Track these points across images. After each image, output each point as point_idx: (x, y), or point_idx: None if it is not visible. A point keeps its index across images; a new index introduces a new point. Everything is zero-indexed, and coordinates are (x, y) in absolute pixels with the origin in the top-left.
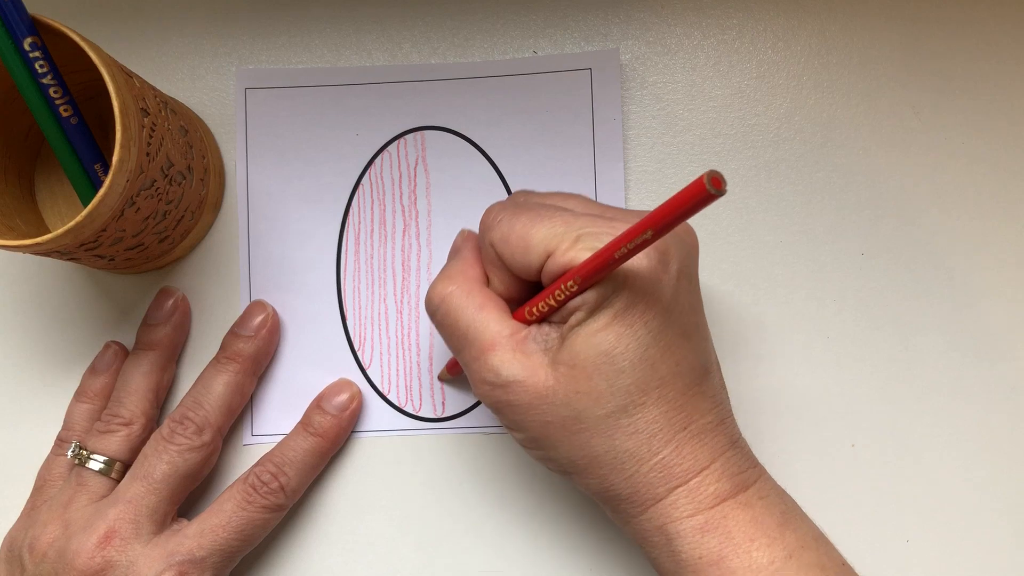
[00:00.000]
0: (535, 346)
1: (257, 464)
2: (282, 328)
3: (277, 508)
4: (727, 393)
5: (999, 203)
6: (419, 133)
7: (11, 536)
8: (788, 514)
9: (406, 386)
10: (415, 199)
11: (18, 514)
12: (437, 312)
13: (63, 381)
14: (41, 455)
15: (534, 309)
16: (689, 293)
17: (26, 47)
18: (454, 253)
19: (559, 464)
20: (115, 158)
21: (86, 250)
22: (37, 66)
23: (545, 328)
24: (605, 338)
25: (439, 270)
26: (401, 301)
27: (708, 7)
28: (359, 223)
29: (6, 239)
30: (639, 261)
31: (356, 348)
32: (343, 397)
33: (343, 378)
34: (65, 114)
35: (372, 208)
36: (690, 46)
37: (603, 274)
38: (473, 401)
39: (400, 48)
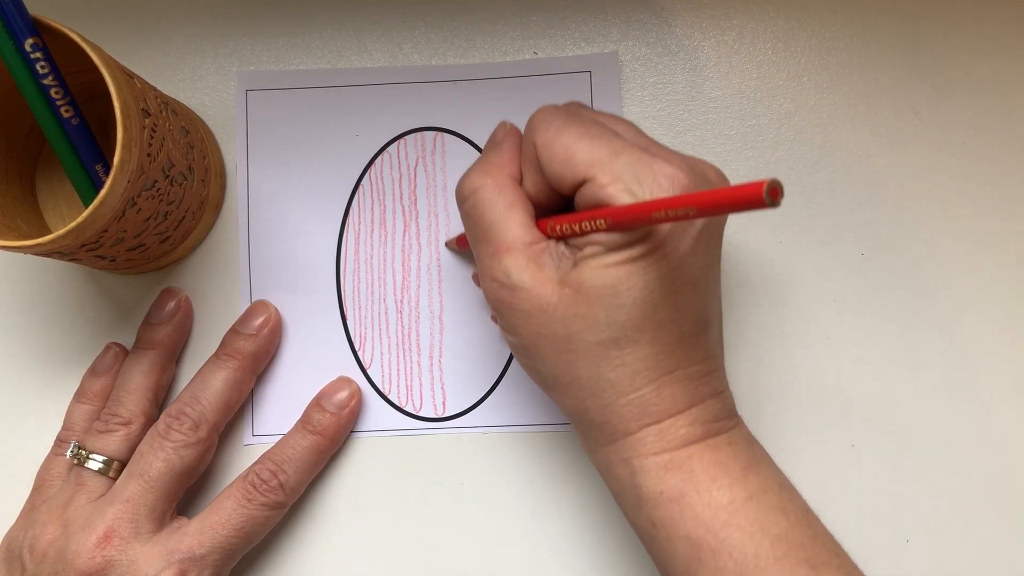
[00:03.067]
0: (549, 261)
1: (257, 462)
2: (283, 328)
3: (277, 506)
4: (723, 349)
5: (998, 203)
6: (419, 134)
7: (10, 536)
8: (755, 460)
9: (407, 386)
10: (415, 199)
11: (18, 514)
12: (466, 202)
13: (63, 381)
14: (41, 455)
15: (557, 227)
16: (708, 247)
17: (27, 48)
18: (493, 145)
19: (542, 377)
20: (116, 158)
21: (87, 251)
22: (38, 67)
23: (562, 247)
24: (615, 273)
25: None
26: (401, 301)
27: (708, 8)
28: (359, 223)
29: (7, 239)
30: None
31: (356, 348)
32: (342, 395)
33: (343, 376)
34: (66, 115)
35: (372, 208)
36: (690, 47)
37: (634, 226)
38: (474, 400)
39: (401, 49)
